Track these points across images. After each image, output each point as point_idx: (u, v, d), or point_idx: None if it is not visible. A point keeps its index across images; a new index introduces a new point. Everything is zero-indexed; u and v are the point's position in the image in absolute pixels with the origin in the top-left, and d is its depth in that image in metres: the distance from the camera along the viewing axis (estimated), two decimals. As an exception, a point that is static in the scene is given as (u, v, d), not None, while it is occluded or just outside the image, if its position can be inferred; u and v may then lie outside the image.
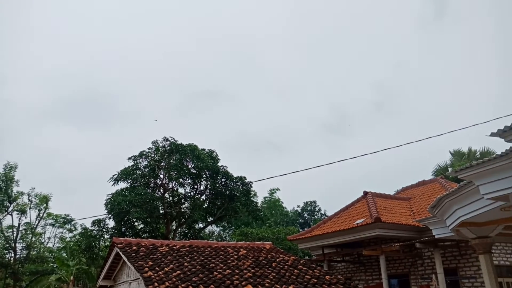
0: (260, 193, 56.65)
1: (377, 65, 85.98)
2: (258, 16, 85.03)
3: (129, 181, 26.93)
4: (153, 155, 27.71)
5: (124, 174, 26.83)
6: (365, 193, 20.26)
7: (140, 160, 27.62)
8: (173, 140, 27.90)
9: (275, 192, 51.70)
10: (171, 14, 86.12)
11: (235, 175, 28.41)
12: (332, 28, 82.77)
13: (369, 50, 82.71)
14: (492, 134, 5.56)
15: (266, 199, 51.11)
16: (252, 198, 30.14)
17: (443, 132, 14.21)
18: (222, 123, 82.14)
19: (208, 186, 28.45)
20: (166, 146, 27.79)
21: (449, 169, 28.97)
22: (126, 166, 27.40)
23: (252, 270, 11.70)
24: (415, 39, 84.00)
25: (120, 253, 12.38)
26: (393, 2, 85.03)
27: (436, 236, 11.53)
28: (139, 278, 10.69)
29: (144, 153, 27.67)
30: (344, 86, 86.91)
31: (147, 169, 27.45)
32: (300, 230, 39.31)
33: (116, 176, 26.89)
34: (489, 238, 9.89)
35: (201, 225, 31.95)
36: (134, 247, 12.66)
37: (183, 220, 28.92)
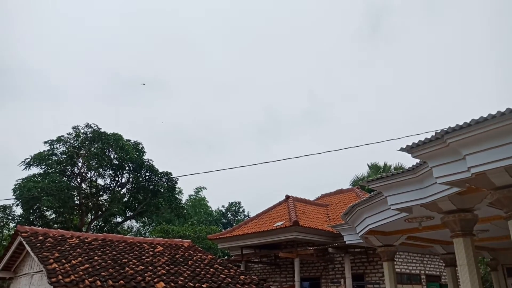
0: (186, 191, 55.88)
1: (312, 75, 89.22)
2: (203, 8, 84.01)
3: (43, 166, 25.13)
4: (72, 141, 26.10)
5: (38, 159, 24.97)
6: (287, 197, 20.86)
7: (58, 146, 25.87)
8: (96, 127, 26.53)
9: (201, 190, 51.37)
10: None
11: (161, 170, 27.76)
12: (272, 36, 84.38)
13: (305, 60, 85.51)
14: (401, 149, 6.00)
15: (192, 197, 50.57)
16: (176, 195, 29.67)
17: (360, 144, 15.09)
18: (153, 114, 79.52)
19: (131, 179, 27.46)
20: (88, 133, 26.34)
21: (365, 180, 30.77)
22: (41, 151, 25.52)
23: (167, 267, 11.48)
24: (350, 53, 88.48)
25: (24, 242, 11.45)
26: (335, 17, 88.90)
27: (347, 242, 12.17)
28: (42, 270, 9.95)
29: (63, 138, 25.96)
30: (280, 91, 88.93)
31: (64, 156, 25.80)
32: (223, 229, 39.38)
33: (28, 160, 24.94)
34: (393, 246, 10.64)
35: (119, 219, 30.70)
36: (41, 237, 11.79)
37: (100, 212, 27.57)
